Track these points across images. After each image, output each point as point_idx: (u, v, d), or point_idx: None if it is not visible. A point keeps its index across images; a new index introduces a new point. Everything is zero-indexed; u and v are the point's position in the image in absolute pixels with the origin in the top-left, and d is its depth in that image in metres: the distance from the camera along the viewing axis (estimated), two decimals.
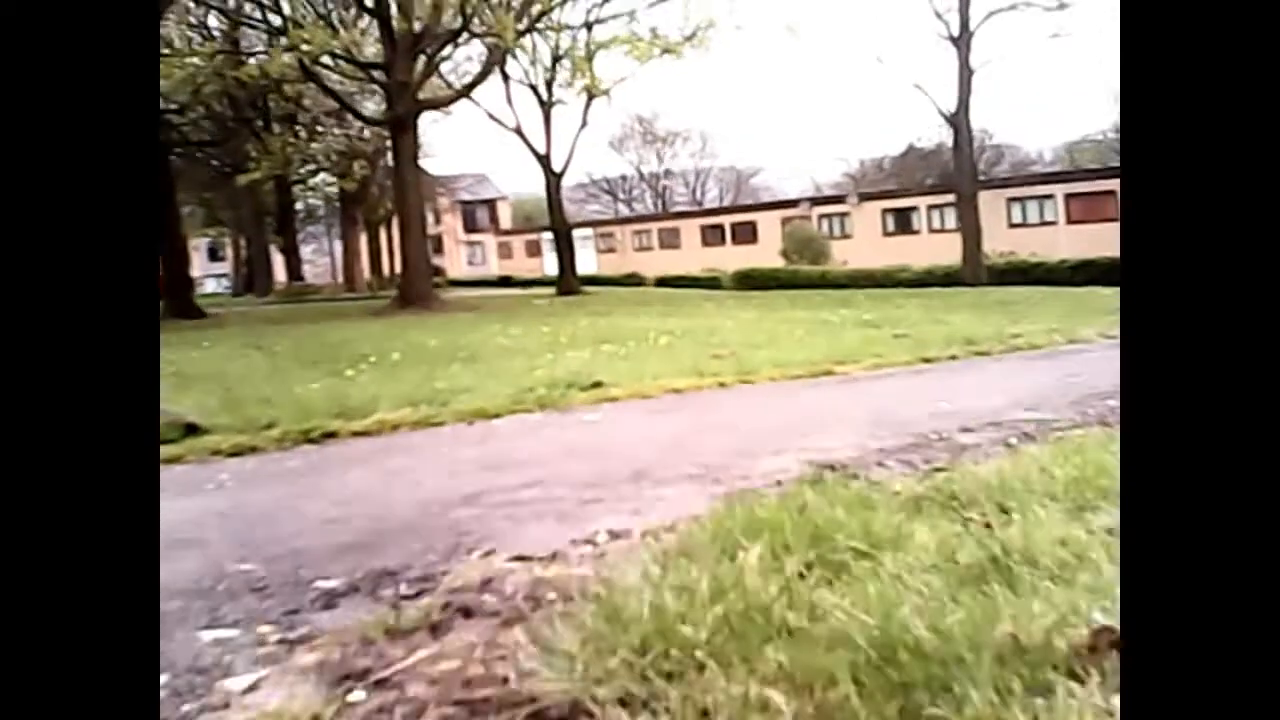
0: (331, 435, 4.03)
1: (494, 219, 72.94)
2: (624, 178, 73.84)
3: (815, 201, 46.51)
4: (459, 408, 4.42)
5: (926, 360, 6.08)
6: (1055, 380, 4.94)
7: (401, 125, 17.51)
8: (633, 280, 42.56)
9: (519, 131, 23.87)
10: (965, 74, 27.20)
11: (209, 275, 75.19)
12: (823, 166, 77.75)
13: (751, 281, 37.66)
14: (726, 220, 50.63)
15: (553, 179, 25.01)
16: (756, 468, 3.13)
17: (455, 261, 72.33)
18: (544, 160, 24.05)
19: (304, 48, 14.78)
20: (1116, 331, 7.67)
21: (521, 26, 17.32)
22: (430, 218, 64.34)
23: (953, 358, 6.26)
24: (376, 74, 17.76)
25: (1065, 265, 29.33)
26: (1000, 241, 37.74)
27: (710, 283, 39.52)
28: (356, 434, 4.05)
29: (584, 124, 22.72)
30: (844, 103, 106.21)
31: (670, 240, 52.23)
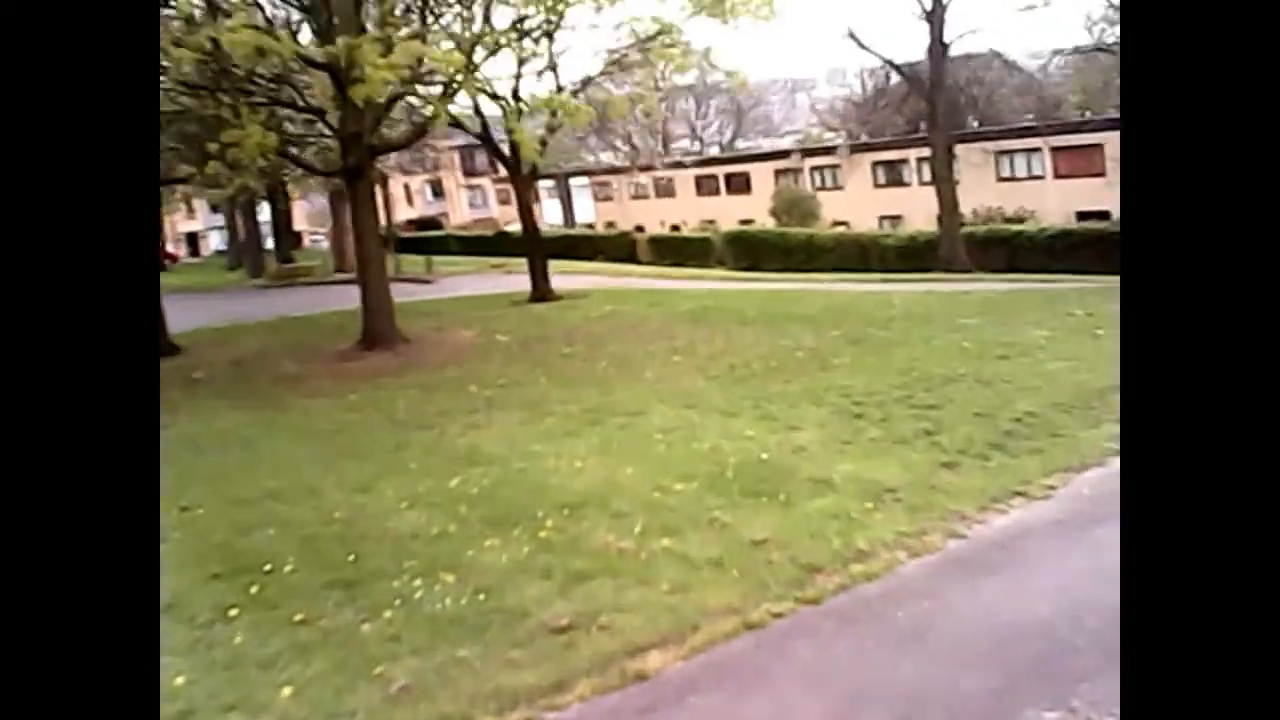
0: None
1: (494, 163, 72.39)
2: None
3: (806, 153, 46.29)
4: None
5: (749, 626, 6.36)
6: None
7: (356, 173, 17.66)
8: (625, 245, 42.69)
9: (484, 138, 23.81)
10: (939, 49, 26.87)
11: (212, 228, 75.76)
12: (823, 85, 76.33)
13: (741, 245, 37.91)
14: (720, 171, 50.59)
15: (524, 186, 25.01)
16: None
17: (457, 205, 72.50)
18: (511, 166, 24.01)
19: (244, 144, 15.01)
20: (948, 532, 7.90)
21: (466, 81, 17.29)
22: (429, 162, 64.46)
23: (779, 615, 6.52)
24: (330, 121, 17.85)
25: (1045, 235, 29.44)
26: (990, 195, 37.64)
27: (702, 245, 39.75)
28: None
29: (552, 130, 22.52)
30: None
31: (666, 189, 52.17)
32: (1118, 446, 9.40)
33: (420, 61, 14.96)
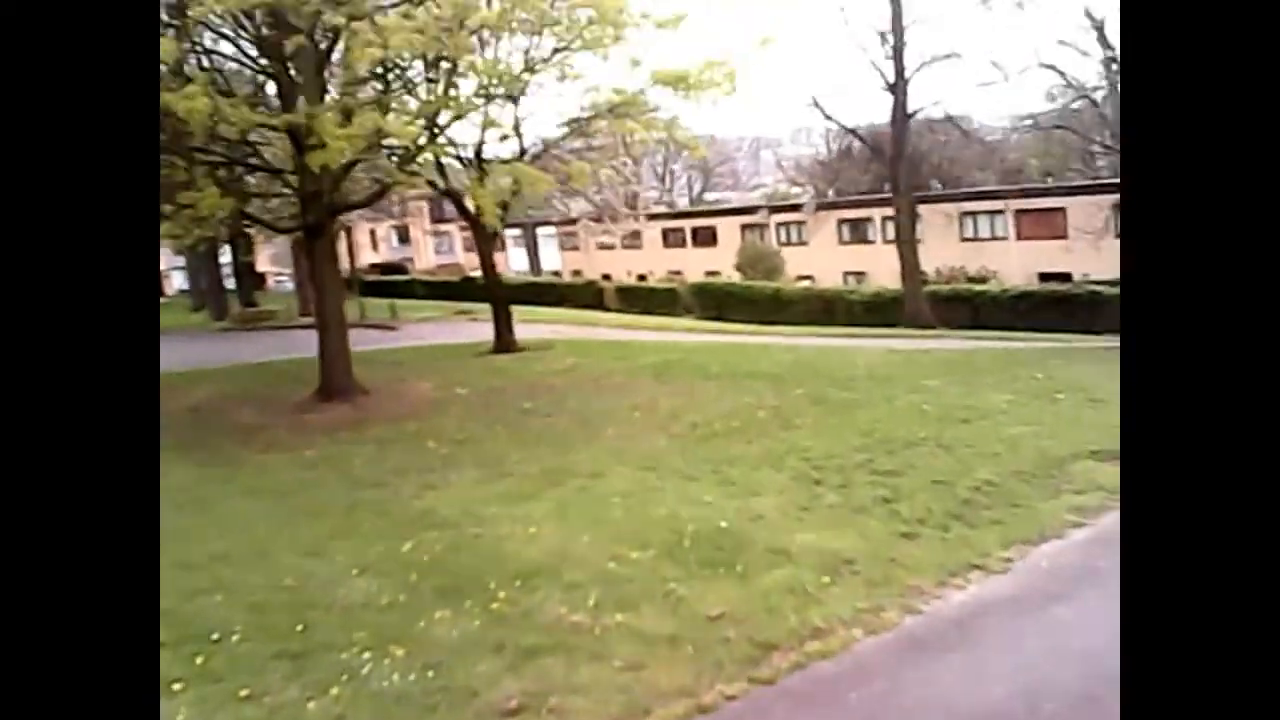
0: None
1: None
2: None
3: (773, 209, 46.74)
4: None
5: (702, 710, 6.22)
6: None
7: (316, 231, 17.61)
8: (592, 293, 42.75)
9: (450, 194, 23.85)
10: (901, 117, 27.28)
11: (175, 268, 74.79)
12: (788, 144, 77.12)
13: (708, 295, 38.12)
14: (688, 224, 50.98)
15: (486, 241, 25.00)
16: None
17: (423, 252, 72.38)
18: (474, 222, 23.92)
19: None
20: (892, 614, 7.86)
21: (421, 148, 17.31)
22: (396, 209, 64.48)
23: (732, 698, 6.41)
24: (290, 179, 17.75)
25: (1008, 295, 29.84)
26: (954, 254, 38.08)
27: (668, 296, 39.92)
28: None
29: (514, 193, 22.42)
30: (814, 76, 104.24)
31: (632, 241, 52.31)
32: (1077, 519, 9.46)
33: (379, 131, 14.96)
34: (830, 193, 51.44)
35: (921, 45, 48.85)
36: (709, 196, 72.10)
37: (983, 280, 33.91)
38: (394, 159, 17.86)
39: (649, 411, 15.91)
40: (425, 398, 18.44)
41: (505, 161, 22.09)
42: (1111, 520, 9.48)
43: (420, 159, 18.63)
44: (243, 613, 8.16)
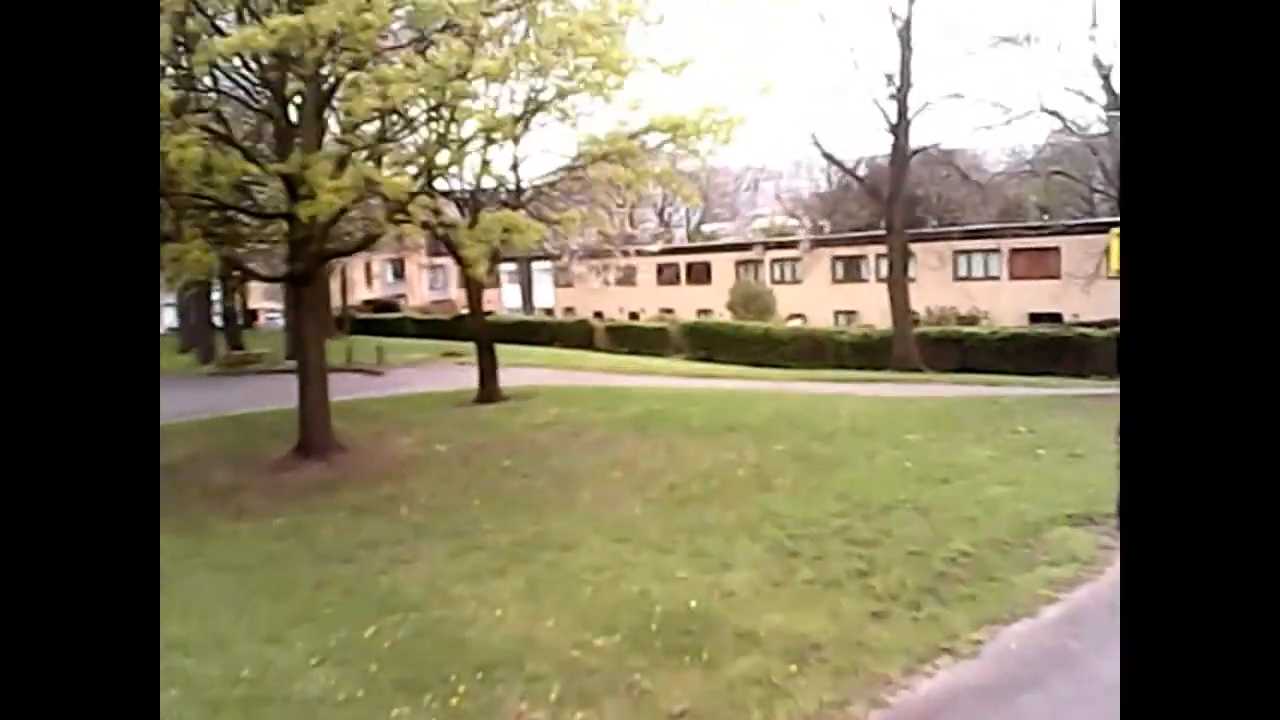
0: None
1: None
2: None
3: (768, 246, 46.81)
4: None
5: None
6: None
7: (303, 279, 17.51)
8: (583, 333, 42.70)
9: (443, 238, 23.79)
10: (901, 159, 27.29)
11: (164, 305, 74.41)
12: (789, 177, 77.06)
13: (698, 335, 38.06)
14: (682, 260, 50.98)
15: (476, 287, 24.96)
16: None
17: (417, 288, 72.42)
18: (467, 268, 23.82)
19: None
20: None
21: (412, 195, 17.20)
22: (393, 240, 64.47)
23: None
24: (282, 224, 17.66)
25: (997, 337, 29.75)
26: (947, 294, 38.03)
27: (659, 336, 39.83)
28: None
29: (502, 240, 22.29)
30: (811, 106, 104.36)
31: (627, 278, 52.37)
32: (1050, 594, 9.33)
33: (370, 181, 14.85)
34: (827, 227, 51.47)
35: (925, 85, 48.86)
36: (706, 228, 72.28)
37: (973, 321, 33.89)
38: (382, 211, 17.73)
39: (628, 470, 15.77)
40: (404, 455, 18.29)
41: (504, 204, 22.05)
42: (1085, 593, 9.40)
43: (410, 207, 18.49)
44: (196, 710, 7.95)
